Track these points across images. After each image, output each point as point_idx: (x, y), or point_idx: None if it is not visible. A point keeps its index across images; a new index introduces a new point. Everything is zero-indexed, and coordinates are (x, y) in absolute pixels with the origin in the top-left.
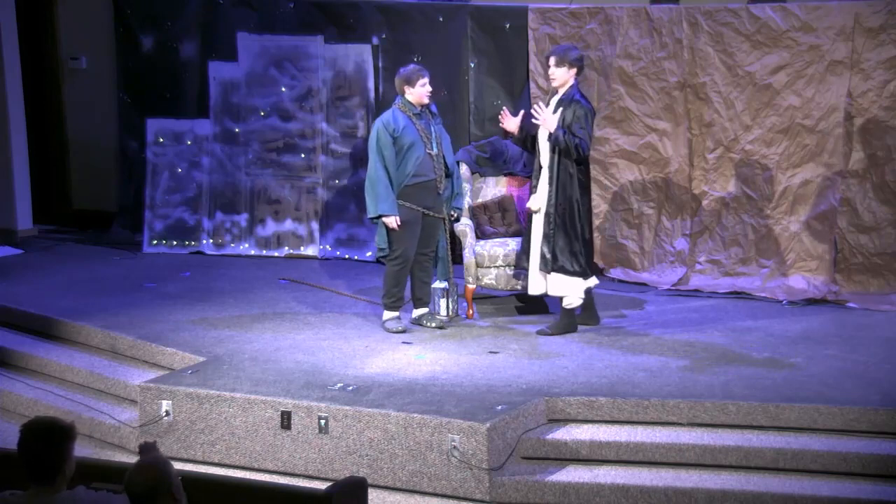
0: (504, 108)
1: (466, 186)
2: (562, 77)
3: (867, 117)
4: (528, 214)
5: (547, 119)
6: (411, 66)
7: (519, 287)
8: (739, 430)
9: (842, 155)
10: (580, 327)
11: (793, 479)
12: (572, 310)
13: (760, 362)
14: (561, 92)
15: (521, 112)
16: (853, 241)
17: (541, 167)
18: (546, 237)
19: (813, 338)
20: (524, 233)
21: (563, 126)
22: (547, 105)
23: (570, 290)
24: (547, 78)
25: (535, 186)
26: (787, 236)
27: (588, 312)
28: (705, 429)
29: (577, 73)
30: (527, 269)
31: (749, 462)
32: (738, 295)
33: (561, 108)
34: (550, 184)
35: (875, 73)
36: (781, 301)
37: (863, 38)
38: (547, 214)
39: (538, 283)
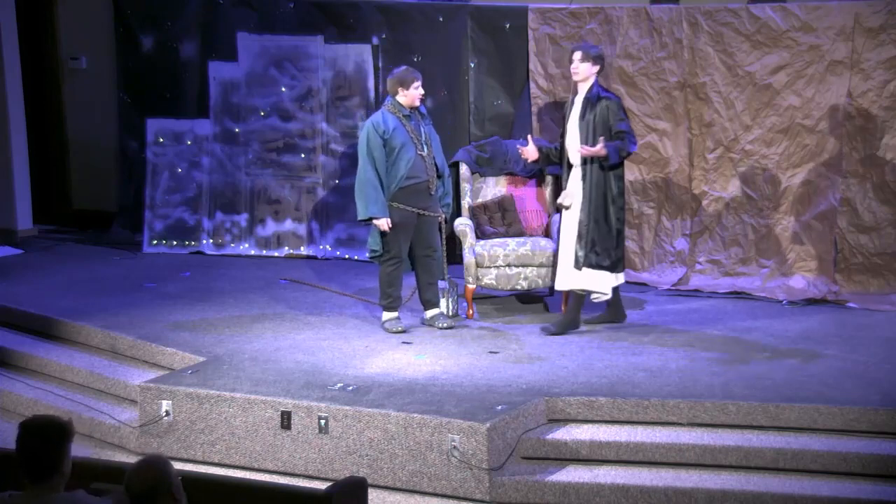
0: (520, 146)
1: (466, 186)
2: (584, 72)
3: (867, 117)
4: (559, 210)
5: (593, 151)
6: (404, 68)
7: (519, 287)
8: (739, 430)
9: (842, 155)
10: (590, 325)
11: (793, 479)
12: (578, 307)
13: (760, 362)
14: (583, 90)
15: (529, 136)
16: (853, 241)
17: (571, 165)
18: (580, 235)
19: (813, 338)
20: (556, 231)
21: (599, 123)
22: (572, 105)
23: (601, 284)
24: (547, 78)
25: (565, 184)
26: (787, 236)
27: (614, 309)
28: (705, 429)
29: (599, 72)
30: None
31: (749, 462)
32: (738, 295)
33: (589, 108)
34: (584, 181)
35: (875, 73)
36: (781, 301)
37: (863, 38)
38: (582, 212)
39: (566, 278)
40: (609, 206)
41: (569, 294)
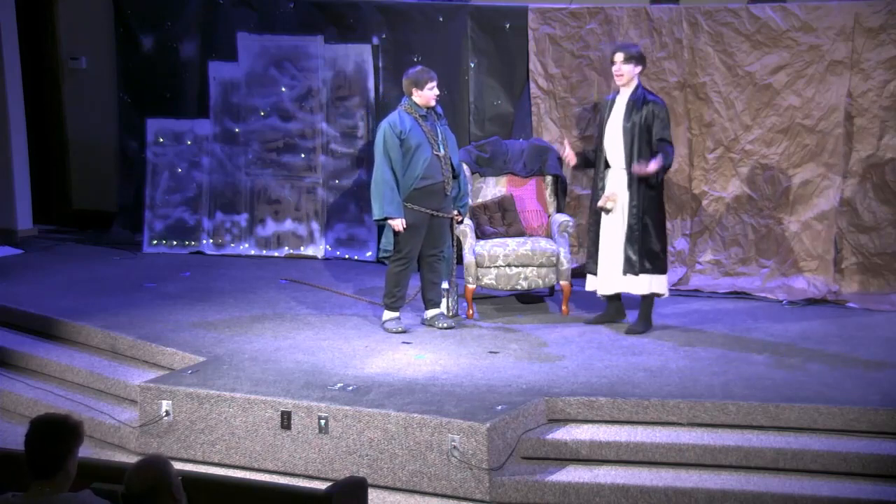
0: (560, 149)
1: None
2: (629, 73)
3: (867, 117)
4: (595, 213)
5: (646, 171)
6: (419, 68)
7: (519, 287)
8: (739, 430)
9: (842, 155)
10: (595, 325)
11: (793, 479)
12: (652, 305)
13: (760, 362)
14: (626, 92)
15: (565, 140)
16: (853, 241)
17: (607, 166)
18: (630, 239)
19: (813, 338)
20: (589, 234)
21: (644, 127)
22: (612, 106)
23: (660, 286)
24: (547, 78)
25: (602, 187)
26: (787, 236)
27: (615, 308)
28: (705, 429)
29: (642, 71)
30: (595, 272)
31: (749, 462)
32: (738, 295)
33: (634, 110)
34: (631, 186)
35: (875, 73)
36: (781, 301)
37: (863, 38)
38: (631, 215)
39: (613, 283)
40: (660, 212)
41: (570, 293)
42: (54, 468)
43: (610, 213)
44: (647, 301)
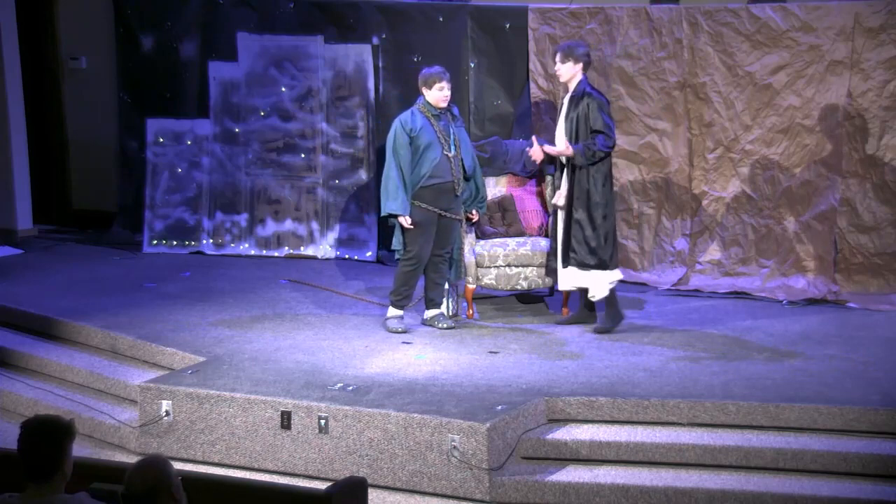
0: (528, 148)
1: None
2: (567, 72)
3: (867, 117)
4: (554, 211)
5: (556, 151)
6: (435, 69)
7: (519, 287)
8: (739, 430)
9: (842, 155)
10: (576, 325)
11: (793, 479)
12: (613, 299)
13: (760, 362)
14: (571, 89)
15: (533, 137)
16: (853, 241)
17: (563, 165)
18: (564, 232)
19: (813, 338)
20: (551, 230)
21: (581, 121)
22: (562, 104)
23: (591, 283)
24: (547, 78)
25: (559, 184)
26: (788, 236)
27: (586, 310)
28: (705, 429)
29: (584, 69)
30: (555, 267)
31: (749, 462)
32: (738, 295)
33: (573, 106)
34: (567, 180)
35: (875, 73)
36: (781, 301)
37: (863, 38)
38: (564, 211)
39: (564, 278)
40: (592, 207)
41: (569, 294)
42: (52, 469)
43: (562, 211)
44: (607, 297)
